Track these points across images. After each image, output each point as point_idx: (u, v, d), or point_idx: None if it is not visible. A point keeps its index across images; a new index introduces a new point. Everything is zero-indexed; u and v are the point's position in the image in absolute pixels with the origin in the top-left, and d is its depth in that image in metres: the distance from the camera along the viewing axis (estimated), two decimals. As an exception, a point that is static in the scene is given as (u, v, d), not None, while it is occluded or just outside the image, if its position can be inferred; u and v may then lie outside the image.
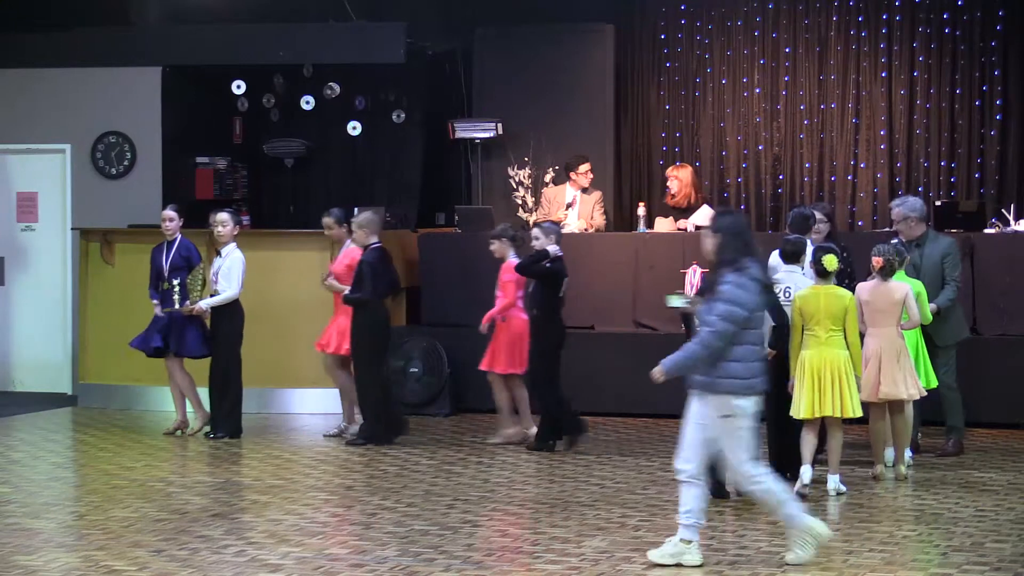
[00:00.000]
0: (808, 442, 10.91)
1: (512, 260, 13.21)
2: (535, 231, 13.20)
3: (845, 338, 10.84)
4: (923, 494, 10.93)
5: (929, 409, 12.18)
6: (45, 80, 16.93)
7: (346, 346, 13.44)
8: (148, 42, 16.86)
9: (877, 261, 11.38)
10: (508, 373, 13.30)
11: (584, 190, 15.97)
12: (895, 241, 12.17)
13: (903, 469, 11.51)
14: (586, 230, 15.74)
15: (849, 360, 10.84)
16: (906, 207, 12.51)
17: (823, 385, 10.78)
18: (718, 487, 10.73)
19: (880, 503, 10.67)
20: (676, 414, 14.44)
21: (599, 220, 15.94)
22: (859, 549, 9.16)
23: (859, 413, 10.95)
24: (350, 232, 13.52)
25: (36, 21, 17.05)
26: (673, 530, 9.45)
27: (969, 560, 8.85)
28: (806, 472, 10.84)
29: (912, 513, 10.31)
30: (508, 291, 13.26)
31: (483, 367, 13.41)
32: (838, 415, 10.81)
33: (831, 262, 10.87)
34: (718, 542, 9.38)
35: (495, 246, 13.38)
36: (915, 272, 12.24)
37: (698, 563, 8.71)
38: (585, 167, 15.93)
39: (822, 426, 11.02)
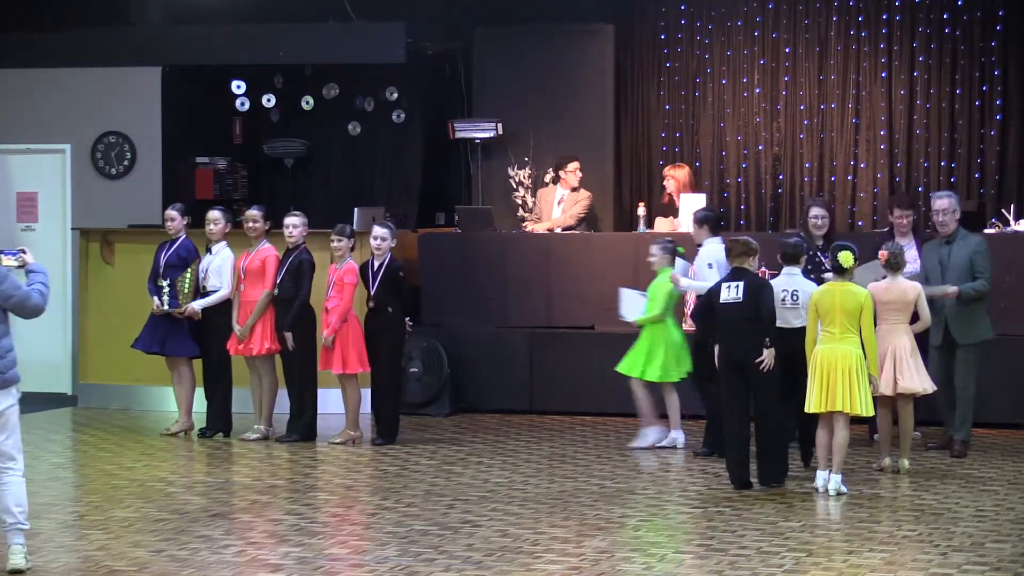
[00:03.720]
0: (823, 443, 10.92)
1: (352, 263, 13.25)
2: (383, 232, 13.24)
3: (860, 336, 10.89)
4: (923, 493, 10.92)
5: (925, 409, 12.18)
6: (45, 80, 16.93)
7: (268, 345, 13.48)
8: (148, 42, 16.85)
9: (883, 255, 11.51)
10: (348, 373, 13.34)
11: (574, 189, 15.92)
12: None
13: (906, 464, 11.54)
14: (550, 229, 15.69)
15: (862, 358, 10.83)
16: (955, 200, 12.55)
17: (833, 381, 10.80)
18: (743, 480, 10.85)
19: (880, 502, 10.67)
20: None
21: (570, 218, 15.77)
22: (859, 549, 9.16)
23: (870, 412, 11.01)
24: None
25: (36, 21, 17.04)
26: (674, 530, 9.47)
27: (969, 560, 8.85)
28: (820, 478, 10.87)
29: (912, 512, 10.31)
30: (348, 293, 13.26)
31: (335, 370, 13.32)
32: (848, 411, 10.82)
33: (847, 259, 10.90)
34: (718, 542, 9.38)
35: (343, 243, 13.31)
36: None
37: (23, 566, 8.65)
38: (573, 165, 15.86)
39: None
